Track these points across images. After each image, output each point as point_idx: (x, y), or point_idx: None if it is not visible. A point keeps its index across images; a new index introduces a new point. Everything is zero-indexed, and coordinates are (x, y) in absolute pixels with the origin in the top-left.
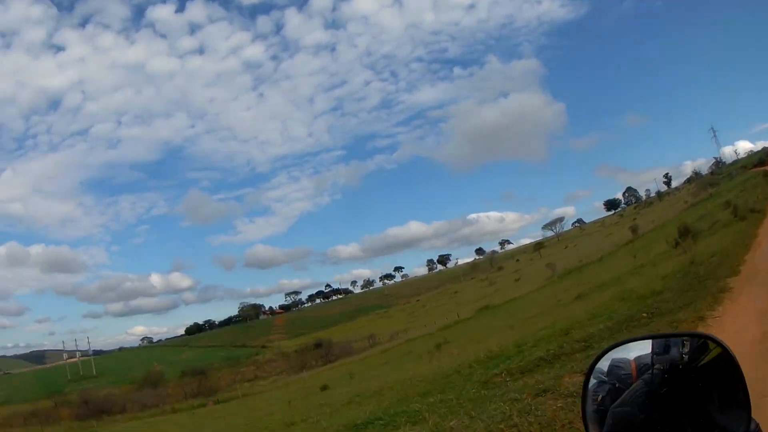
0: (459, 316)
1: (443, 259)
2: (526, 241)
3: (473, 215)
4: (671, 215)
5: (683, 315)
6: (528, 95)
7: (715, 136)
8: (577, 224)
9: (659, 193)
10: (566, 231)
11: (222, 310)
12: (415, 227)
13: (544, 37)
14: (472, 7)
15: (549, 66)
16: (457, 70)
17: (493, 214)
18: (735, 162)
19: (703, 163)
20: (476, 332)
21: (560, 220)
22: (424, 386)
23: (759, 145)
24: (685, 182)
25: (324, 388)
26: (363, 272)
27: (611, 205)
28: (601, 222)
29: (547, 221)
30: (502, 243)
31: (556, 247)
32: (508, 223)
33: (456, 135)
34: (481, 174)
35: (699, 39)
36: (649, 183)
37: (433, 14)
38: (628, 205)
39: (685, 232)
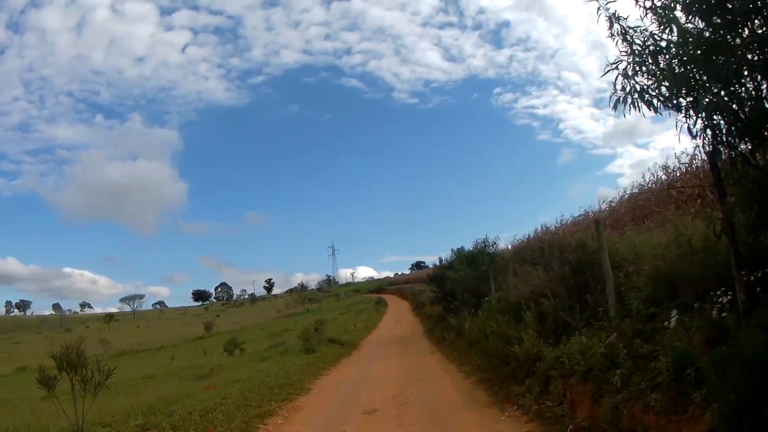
0: None
1: (24, 305)
2: (112, 309)
3: (68, 269)
4: (259, 320)
5: None
6: (156, 165)
7: (333, 254)
8: (158, 306)
9: (253, 297)
10: (145, 310)
11: None
12: (13, 264)
13: (195, 114)
14: (141, 60)
15: (188, 143)
16: (99, 118)
17: (88, 274)
18: (348, 284)
19: (315, 278)
20: None
21: (140, 297)
22: None
23: (382, 274)
24: (287, 291)
25: None
26: None
27: (200, 296)
28: (184, 310)
29: (132, 294)
30: (83, 305)
31: (131, 323)
32: (101, 287)
33: (77, 182)
34: (89, 229)
35: (353, 165)
36: (249, 284)
37: (104, 54)
38: (218, 300)
39: None
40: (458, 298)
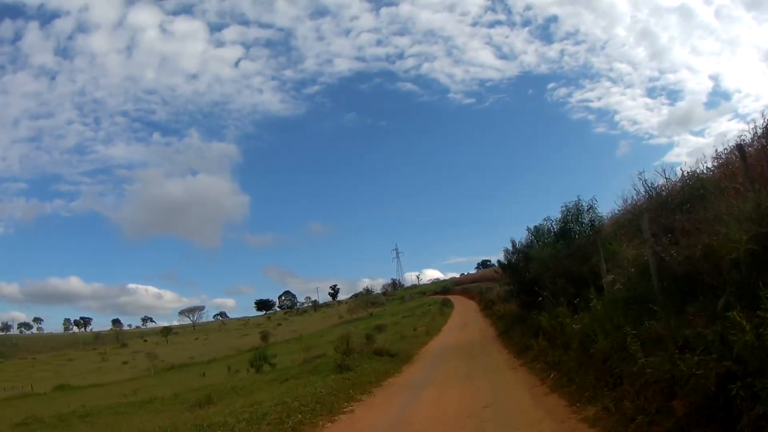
0: (33, 389)
1: (84, 322)
2: (175, 323)
3: (133, 285)
4: (320, 327)
5: None
6: (217, 179)
7: (397, 256)
8: (219, 317)
9: (316, 304)
10: (206, 322)
11: None
12: (75, 283)
13: (252, 126)
14: (194, 77)
15: (247, 155)
16: (156, 136)
17: (152, 289)
18: (414, 286)
19: (381, 283)
20: None
21: (200, 309)
22: None
23: (448, 275)
24: (351, 297)
25: None
26: (18, 315)
27: (263, 305)
28: (246, 320)
29: (192, 306)
30: (145, 319)
31: (190, 336)
32: (166, 301)
33: (137, 200)
34: (151, 245)
35: (412, 169)
36: (314, 292)
37: (156, 73)
38: (281, 309)
39: None
40: (547, 286)
